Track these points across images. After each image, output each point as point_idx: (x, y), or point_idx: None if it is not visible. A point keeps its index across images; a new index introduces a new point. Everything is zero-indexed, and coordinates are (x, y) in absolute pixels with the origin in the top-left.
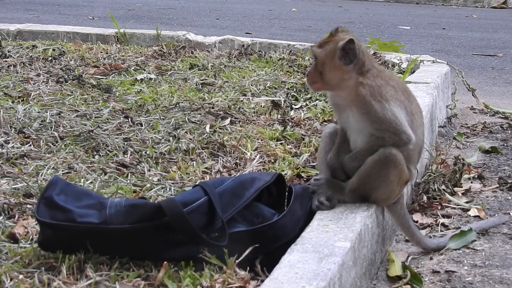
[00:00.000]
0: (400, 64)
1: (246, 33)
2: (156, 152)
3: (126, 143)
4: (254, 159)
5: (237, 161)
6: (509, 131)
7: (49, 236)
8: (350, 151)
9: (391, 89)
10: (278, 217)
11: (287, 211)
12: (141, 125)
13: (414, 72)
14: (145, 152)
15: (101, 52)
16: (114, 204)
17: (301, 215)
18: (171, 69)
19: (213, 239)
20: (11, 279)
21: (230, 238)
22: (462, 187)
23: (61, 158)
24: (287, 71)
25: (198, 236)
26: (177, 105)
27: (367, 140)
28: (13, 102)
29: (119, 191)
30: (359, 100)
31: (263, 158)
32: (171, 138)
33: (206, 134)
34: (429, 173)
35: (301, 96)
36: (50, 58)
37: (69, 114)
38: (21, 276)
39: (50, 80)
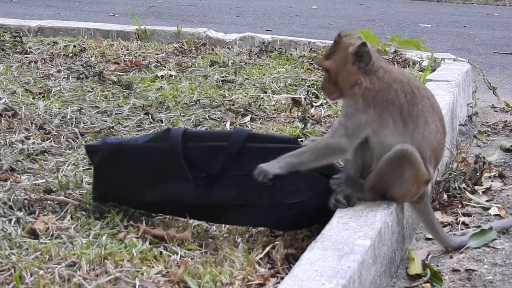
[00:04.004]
0: (421, 62)
1: (267, 30)
2: None
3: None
4: None
5: None
6: None
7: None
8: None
9: (391, 92)
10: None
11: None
12: (162, 121)
13: (435, 70)
14: None
15: (121, 49)
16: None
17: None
18: (191, 66)
19: (197, 179)
20: (31, 275)
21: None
22: (482, 185)
23: (82, 154)
24: (308, 69)
25: (184, 166)
26: (198, 102)
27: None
28: (34, 98)
29: None
30: (349, 99)
31: None
32: None
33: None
34: (449, 172)
35: (322, 93)
36: (71, 54)
37: (89, 111)
38: (41, 272)
39: (70, 77)
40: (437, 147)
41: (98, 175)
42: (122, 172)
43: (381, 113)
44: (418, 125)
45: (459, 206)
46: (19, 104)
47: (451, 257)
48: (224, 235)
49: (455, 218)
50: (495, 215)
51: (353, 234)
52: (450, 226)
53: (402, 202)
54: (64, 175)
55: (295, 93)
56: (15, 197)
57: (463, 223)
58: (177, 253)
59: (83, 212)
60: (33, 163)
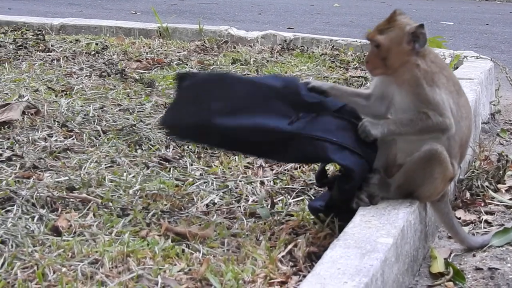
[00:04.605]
0: (443, 59)
1: (288, 28)
2: (198, 147)
3: (168, 137)
4: None
5: None
6: None
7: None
8: None
9: (443, 77)
10: None
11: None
12: None
13: (457, 68)
14: (188, 147)
15: (143, 47)
16: None
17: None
18: (213, 63)
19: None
20: (54, 272)
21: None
22: (505, 183)
23: (104, 152)
24: (330, 66)
25: (301, 99)
26: None
27: (413, 114)
28: (56, 96)
29: (161, 185)
30: (413, 80)
31: None
32: None
33: None
34: (472, 170)
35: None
36: (93, 52)
37: (111, 108)
38: (64, 269)
39: (93, 74)
40: (464, 144)
41: (182, 97)
42: (214, 97)
43: (444, 94)
44: (462, 117)
45: (482, 205)
46: (41, 101)
47: (474, 256)
48: (246, 233)
49: (478, 216)
50: None
51: (375, 232)
52: (473, 225)
53: (426, 201)
54: (86, 172)
55: None
56: (38, 194)
57: (486, 221)
58: (199, 251)
59: (106, 210)
60: (56, 160)
